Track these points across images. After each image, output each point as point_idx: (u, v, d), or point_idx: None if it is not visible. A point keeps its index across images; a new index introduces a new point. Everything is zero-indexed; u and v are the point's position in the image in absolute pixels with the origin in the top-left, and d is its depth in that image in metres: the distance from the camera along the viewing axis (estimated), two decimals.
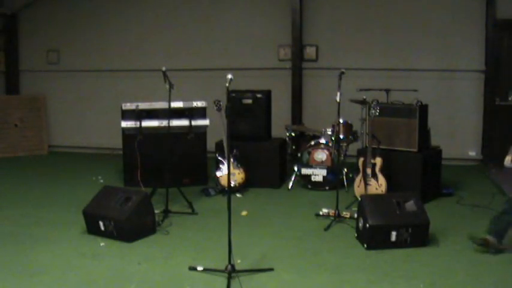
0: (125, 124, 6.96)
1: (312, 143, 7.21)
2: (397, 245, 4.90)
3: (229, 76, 4.36)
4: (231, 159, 6.82)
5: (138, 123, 6.90)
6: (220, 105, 6.13)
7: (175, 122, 6.86)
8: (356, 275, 4.39)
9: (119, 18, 9.75)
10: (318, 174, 7.07)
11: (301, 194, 6.99)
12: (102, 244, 5.11)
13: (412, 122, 6.40)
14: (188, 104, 7.11)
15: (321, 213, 5.93)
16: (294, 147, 7.53)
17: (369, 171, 6.25)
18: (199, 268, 4.45)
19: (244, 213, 6.08)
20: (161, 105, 6.78)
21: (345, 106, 6.35)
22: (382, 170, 6.24)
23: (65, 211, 6.15)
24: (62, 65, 10.08)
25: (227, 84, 4.35)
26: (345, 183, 7.04)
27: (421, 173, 6.34)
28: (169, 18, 9.51)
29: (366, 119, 6.99)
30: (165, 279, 4.35)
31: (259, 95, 7.27)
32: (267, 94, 7.44)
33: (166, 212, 5.88)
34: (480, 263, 4.60)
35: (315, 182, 7.09)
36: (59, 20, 9.99)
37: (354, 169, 6.91)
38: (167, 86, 5.89)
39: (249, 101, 7.24)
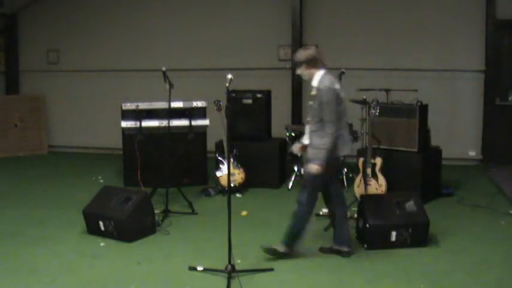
0: (124, 124, 6.95)
1: None
2: (397, 245, 4.90)
3: (229, 76, 4.37)
4: (231, 159, 6.82)
5: (138, 123, 6.88)
6: (220, 105, 6.14)
7: (175, 122, 6.84)
8: (356, 275, 4.39)
9: (119, 19, 9.74)
10: None
11: None
12: (102, 244, 5.11)
13: (412, 122, 6.40)
14: (188, 104, 7.11)
15: (321, 213, 5.92)
16: None
17: (369, 171, 6.24)
18: (199, 268, 4.45)
19: (244, 213, 6.08)
20: (161, 105, 6.77)
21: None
22: (382, 170, 6.23)
23: (65, 211, 6.15)
24: (62, 65, 10.08)
25: (227, 84, 4.35)
26: (345, 183, 7.04)
27: (421, 173, 6.34)
28: (169, 18, 9.50)
29: (366, 119, 6.98)
30: (165, 279, 4.35)
31: (259, 95, 7.27)
32: (267, 94, 7.44)
33: (166, 212, 5.88)
34: (480, 263, 4.60)
35: None
36: (59, 20, 9.98)
37: (354, 169, 6.91)
38: (167, 86, 5.89)
39: (249, 101, 7.23)
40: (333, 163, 4.66)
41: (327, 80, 4.55)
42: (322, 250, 4.90)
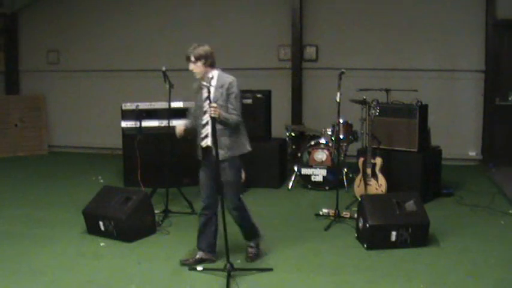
0: (124, 124, 6.96)
1: (312, 143, 7.21)
2: (397, 245, 4.90)
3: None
4: None
5: (138, 123, 6.89)
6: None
7: (176, 122, 6.84)
8: (356, 275, 4.39)
9: (119, 19, 9.75)
10: (318, 174, 7.07)
11: (301, 194, 6.99)
12: (102, 244, 5.11)
13: (412, 122, 6.40)
14: (188, 104, 7.10)
15: (321, 213, 5.93)
16: (294, 147, 7.53)
17: (368, 171, 6.24)
18: (199, 268, 4.45)
19: None
20: (161, 105, 6.78)
21: (345, 106, 6.34)
22: (382, 170, 6.24)
23: (65, 211, 6.15)
24: (62, 65, 10.09)
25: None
26: (345, 183, 7.04)
27: (421, 173, 6.34)
28: (169, 18, 9.51)
29: (366, 119, 6.98)
30: (165, 279, 4.35)
31: (259, 95, 7.27)
32: (267, 94, 7.43)
33: (166, 212, 5.88)
34: (480, 263, 4.60)
35: (315, 182, 7.09)
36: (59, 20, 9.99)
37: (354, 169, 6.91)
38: (167, 86, 5.89)
39: (249, 101, 7.22)
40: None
41: (229, 76, 4.50)
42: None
